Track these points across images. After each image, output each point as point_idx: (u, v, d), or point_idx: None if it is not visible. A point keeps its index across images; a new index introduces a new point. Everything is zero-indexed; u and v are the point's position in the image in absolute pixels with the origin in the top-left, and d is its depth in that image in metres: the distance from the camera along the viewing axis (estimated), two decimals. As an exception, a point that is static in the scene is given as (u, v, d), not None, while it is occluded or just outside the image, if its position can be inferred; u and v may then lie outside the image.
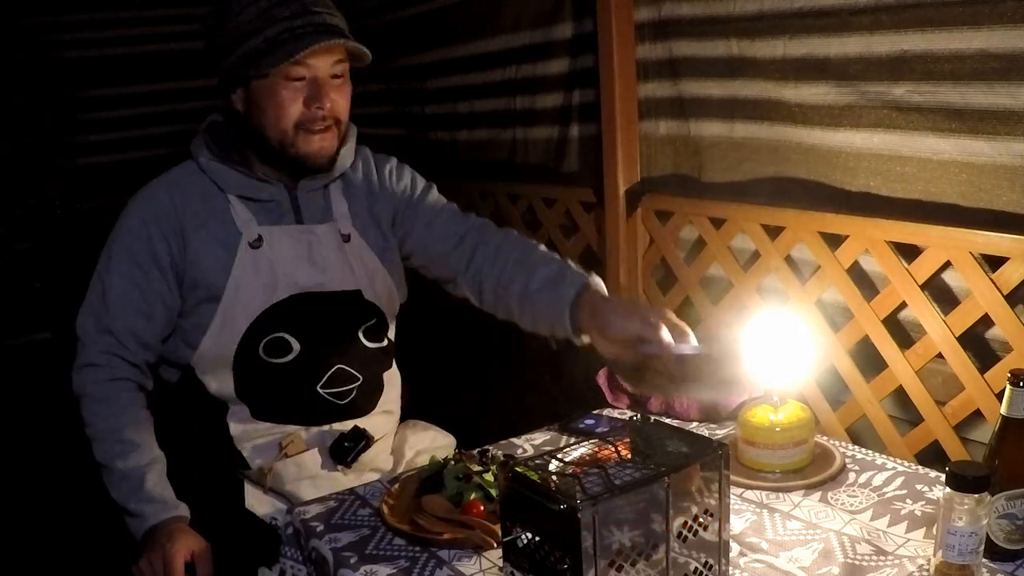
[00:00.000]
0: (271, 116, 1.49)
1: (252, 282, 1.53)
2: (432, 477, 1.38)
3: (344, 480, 1.57)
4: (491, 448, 1.48)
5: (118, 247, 1.54)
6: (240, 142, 1.57)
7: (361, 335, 1.63)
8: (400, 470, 1.65)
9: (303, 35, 1.44)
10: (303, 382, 1.57)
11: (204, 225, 1.54)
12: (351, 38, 1.49)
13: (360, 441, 1.58)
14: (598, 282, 1.42)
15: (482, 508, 1.28)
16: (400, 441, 1.73)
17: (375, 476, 1.60)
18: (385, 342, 1.70)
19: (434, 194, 1.74)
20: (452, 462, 1.39)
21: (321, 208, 1.62)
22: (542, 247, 1.58)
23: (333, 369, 1.59)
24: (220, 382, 1.56)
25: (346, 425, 1.60)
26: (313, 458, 1.58)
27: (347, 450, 1.57)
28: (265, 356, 1.55)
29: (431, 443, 1.75)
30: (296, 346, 1.56)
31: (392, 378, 1.73)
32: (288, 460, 1.55)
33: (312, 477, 1.55)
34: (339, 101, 1.52)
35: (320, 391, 1.57)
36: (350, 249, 1.62)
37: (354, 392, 1.61)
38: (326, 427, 1.60)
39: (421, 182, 1.74)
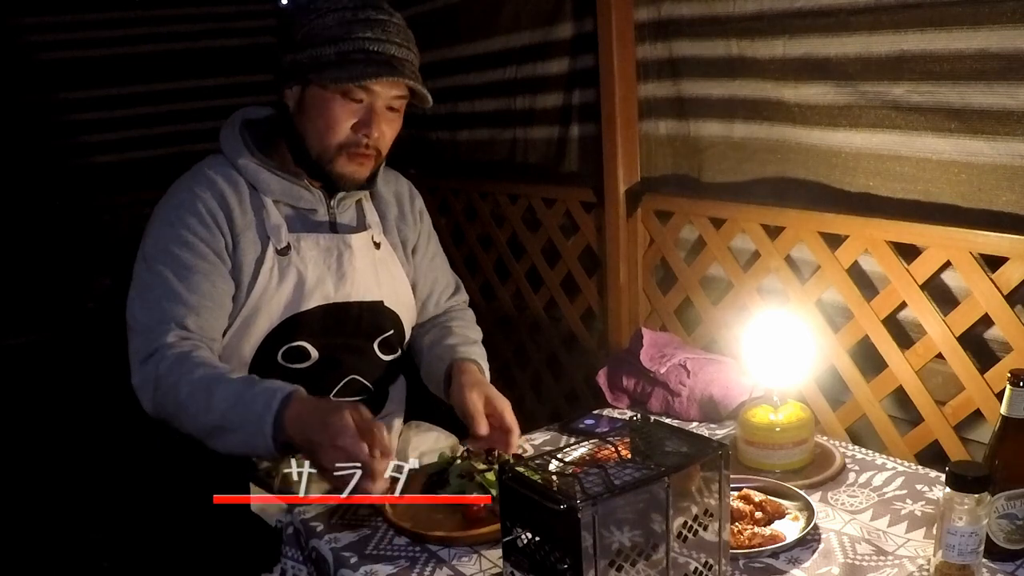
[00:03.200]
0: (318, 127, 1.48)
1: (277, 289, 1.52)
2: (438, 474, 1.38)
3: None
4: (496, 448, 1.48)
5: (174, 242, 1.47)
6: (280, 140, 1.56)
7: (376, 347, 1.64)
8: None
9: (375, 62, 1.43)
10: (317, 390, 1.55)
11: (249, 225, 1.52)
12: (419, 79, 1.49)
13: None
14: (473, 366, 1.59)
15: (480, 507, 1.28)
16: (403, 443, 1.73)
17: None
18: (399, 352, 1.71)
19: (435, 234, 1.82)
20: (459, 460, 1.39)
21: (355, 216, 1.64)
22: (470, 330, 1.75)
23: (347, 379, 1.60)
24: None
25: None
26: None
27: None
28: (283, 362, 1.54)
29: (434, 444, 1.74)
30: (315, 354, 1.56)
31: (398, 386, 1.74)
32: (294, 462, 1.53)
33: (320, 481, 1.55)
34: (387, 133, 1.53)
35: (331, 399, 1.57)
36: (379, 257, 1.63)
37: (363, 401, 1.60)
38: None
39: (430, 221, 1.82)
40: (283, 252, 1.52)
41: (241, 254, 1.50)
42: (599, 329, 2.28)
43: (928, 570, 1.09)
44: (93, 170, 3.26)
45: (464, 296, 1.85)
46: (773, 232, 1.77)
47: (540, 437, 1.62)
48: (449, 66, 2.75)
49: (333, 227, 1.59)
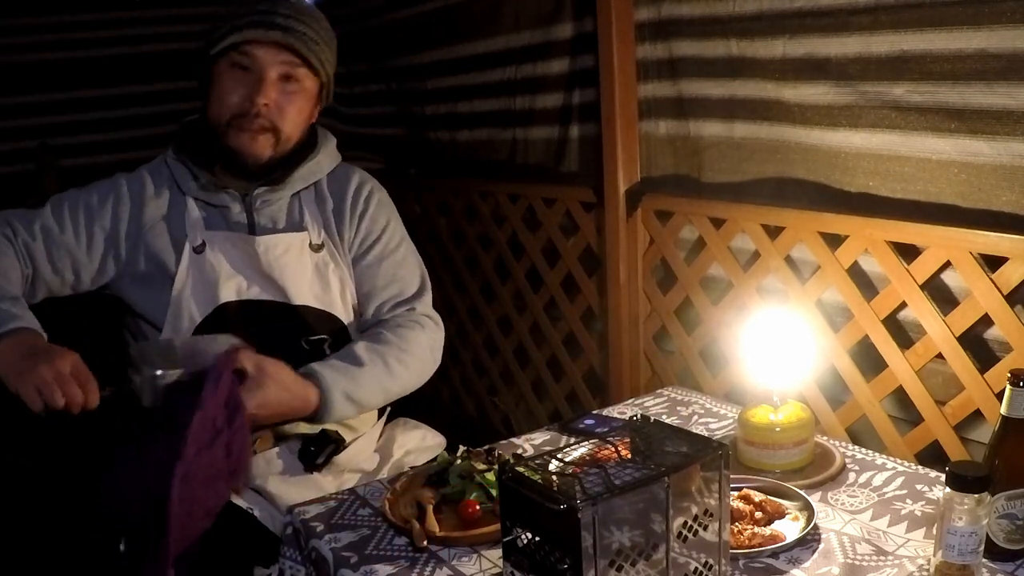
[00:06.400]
0: (213, 102, 1.52)
1: (196, 283, 1.54)
2: (439, 474, 1.38)
3: (321, 480, 1.55)
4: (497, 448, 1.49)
5: (69, 196, 1.57)
6: (205, 140, 1.57)
7: (306, 348, 1.59)
8: (387, 469, 1.64)
9: (258, 25, 1.46)
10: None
11: (166, 217, 1.57)
12: (308, 51, 1.50)
13: (327, 445, 1.55)
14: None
15: (477, 507, 1.28)
16: (387, 440, 1.71)
17: (355, 477, 1.59)
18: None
19: (391, 235, 1.70)
20: (459, 460, 1.39)
21: (288, 218, 1.61)
22: (386, 350, 1.58)
23: None
24: None
25: (315, 428, 1.56)
26: (282, 454, 1.55)
27: (314, 454, 1.54)
28: None
29: (420, 442, 1.72)
30: None
31: None
32: (257, 456, 1.52)
33: (281, 473, 1.54)
34: (284, 108, 1.52)
35: None
36: (321, 259, 1.61)
37: None
38: (288, 427, 1.56)
39: (383, 220, 1.70)
40: (199, 250, 1.55)
41: (147, 245, 1.55)
42: (599, 329, 2.28)
43: (928, 570, 1.09)
44: (93, 170, 3.25)
45: (421, 306, 1.67)
46: (773, 232, 1.77)
47: (540, 437, 1.62)
48: (449, 66, 2.75)
49: (252, 228, 1.58)
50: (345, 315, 1.64)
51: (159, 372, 1.29)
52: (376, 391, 1.55)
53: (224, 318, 1.54)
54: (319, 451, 1.55)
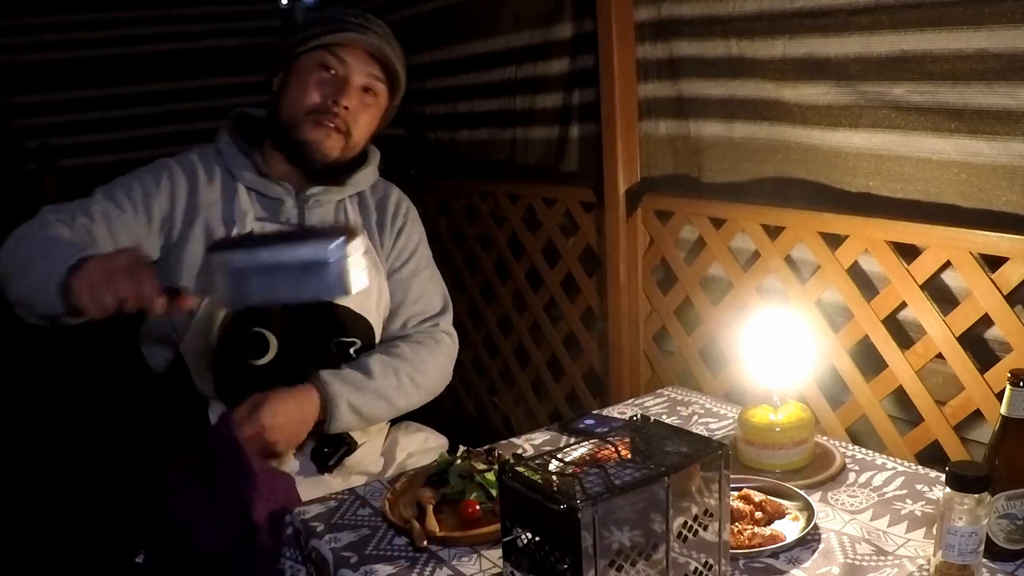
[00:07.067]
0: (292, 93, 1.54)
1: None
2: (439, 474, 1.38)
3: (330, 482, 1.56)
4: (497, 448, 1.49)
5: (121, 183, 1.55)
6: (265, 140, 1.60)
7: (334, 348, 1.61)
8: (391, 472, 1.64)
9: (355, 29, 1.52)
10: (283, 387, 1.55)
11: (214, 205, 1.56)
12: (395, 62, 1.56)
13: (341, 446, 1.57)
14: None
15: (477, 507, 1.28)
16: (391, 443, 1.72)
17: (362, 479, 1.60)
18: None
19: (423, 252, 1.76)
20: (459, 460, 1.39)
21: (335, 221, 1.64)
22: (399, 367, 1.61)
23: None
24: (202, 377, 1.56)
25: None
26: (296, 456, 1.56)
27: (327, 455, 1.56)
28: (244, 354, 1.54)
29: (423, 444, 1.73)
30: (274, 346, 1.55)
31: None
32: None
33: (294, 474, 1.54)
34: (359, 114, 1.57)
35: None
36: None
37: None
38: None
39: (417, 236, 1.76)
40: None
41: (200, 229, 1.54)
42: (599, 329, 2.28)
43: (928, 570, 1.09)
44: (93, 170, 3.26)
45: (444, 323, 1.72)
46: (773, 232, 1.77)
47: (540, 437, 1.62)
48: (449, 66, 2.75)
49: (301, 224, 1.60)
50: (377, 322, 1.67)
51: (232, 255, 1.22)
52: (382, 406, 1.58)
53: (262, 310, 1.54)
54: (333, 452, 1.57)
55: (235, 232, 1.55)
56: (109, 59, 3.29)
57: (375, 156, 1.71)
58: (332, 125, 1.53)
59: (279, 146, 1.58)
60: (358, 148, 1.62)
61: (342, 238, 1.18)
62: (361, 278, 1.21)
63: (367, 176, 1.69)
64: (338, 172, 1.62)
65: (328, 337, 1.61)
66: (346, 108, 1.53)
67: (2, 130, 3.13)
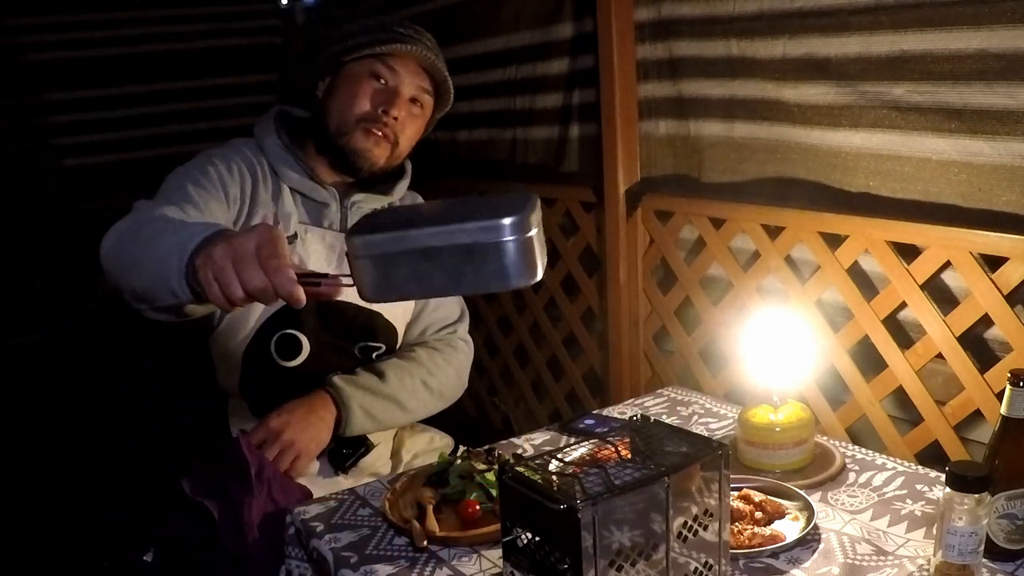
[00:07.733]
0: (341, 100, 1.54)
1: None
2: (439, 474, 1.38)
3: (343, 483, 1.56)
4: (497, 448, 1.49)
5: (195, 168, 1.49)
6: (308, 140, 1.60)
7: (358, 352, 1.64)
8: (398, 473, 1.65)
9: (407, 41, 1.53)
10: (307, 389, 1.57)
11: (266, 203, 1.55)
12: (442, 82, 1.60)
13: (359, 448, 1.59)
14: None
15: (477, 507, 1.28)
16: (398, 444, 1.73)
17: (372, 480, 1.60)
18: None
19: None
20: (459, 460, 1.39)
21: None
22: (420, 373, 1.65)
23: None
24: (227, 373, 1.57)
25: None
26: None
27: (346, 456, 1.58)
28: (275, 354, 1.55)
29: (428, 445, 1.75)
30: (307, 349, 1.56)
31: None
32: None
33: (309, 476, 1.55)
34: (407, 125, 1.58)
35: None
36: None
37: None
38: None
39: None
40: (290, 240, 1.54)
41: (254, 220, 1.53)
42: (599, 329, 2.28)
43: (928, 570, 1.09)
44: (93, 170, 3.26)
45: (460, 331, 1.77)
46: (773, 232, 1.77)
47: (540, 437, 1.62)
48: (449, 66, 2.74)
49: (343, 228, 1.60)
50: (402, 328, 1.69)
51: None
52: (395, 410, 1.60)
53: (297, 311, 1.53)
54: (351, 454, 1.59)
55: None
56: (109, 59, 3.28)
57: (409, 168, 1.73)
58: (381, 134, 1.54)
59: (323, 150, 1.58)
60: (402, 158, 1.64)
61: (521, 212, 0.93)
62: (544, 257, 0.98)
63: (402, 187, 1.70)
64: (378, 180, 1.64)
65: (355, 341, 1.63)
66: (395, 118, 1.54)
67: (2, 130, 3.13)
